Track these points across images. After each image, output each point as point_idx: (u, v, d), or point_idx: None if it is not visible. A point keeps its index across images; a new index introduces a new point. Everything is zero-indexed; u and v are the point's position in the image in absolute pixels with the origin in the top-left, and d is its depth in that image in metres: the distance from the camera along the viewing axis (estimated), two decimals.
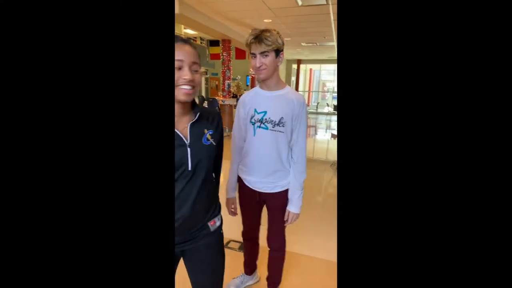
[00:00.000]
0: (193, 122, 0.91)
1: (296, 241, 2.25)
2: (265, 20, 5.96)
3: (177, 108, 0.88)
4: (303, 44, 9.06)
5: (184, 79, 0.81)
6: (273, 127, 1.30)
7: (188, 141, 0.89)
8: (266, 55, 1.21)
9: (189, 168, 0.88)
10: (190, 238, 0.96)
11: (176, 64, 0.81)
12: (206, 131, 0.93)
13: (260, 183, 1.38)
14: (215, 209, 1.02)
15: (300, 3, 4.65)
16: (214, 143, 0.94)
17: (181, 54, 0.81)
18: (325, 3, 4.62)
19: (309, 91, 15.17)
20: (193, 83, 0.83)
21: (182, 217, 0.91)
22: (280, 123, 1.29)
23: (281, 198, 1.41)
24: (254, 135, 1.32)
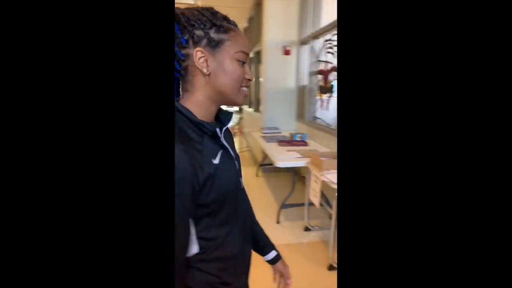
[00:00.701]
0: (226, 129, 0.70)
1: None
2: None
3: (214, 112, 0.66)
4: None
5: (248, 79, 0.62)
6: None
7: (233, 153, 0.69)
8: None
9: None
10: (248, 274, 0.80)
11: (241, 56, 0.60)
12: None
13: None
14: None
15: None
16: (237, 155, 0.76)
17: (244, 45, 0.61)
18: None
19: None
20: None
21: (248, 250, 0.75)
22: None
23: None
24: None
